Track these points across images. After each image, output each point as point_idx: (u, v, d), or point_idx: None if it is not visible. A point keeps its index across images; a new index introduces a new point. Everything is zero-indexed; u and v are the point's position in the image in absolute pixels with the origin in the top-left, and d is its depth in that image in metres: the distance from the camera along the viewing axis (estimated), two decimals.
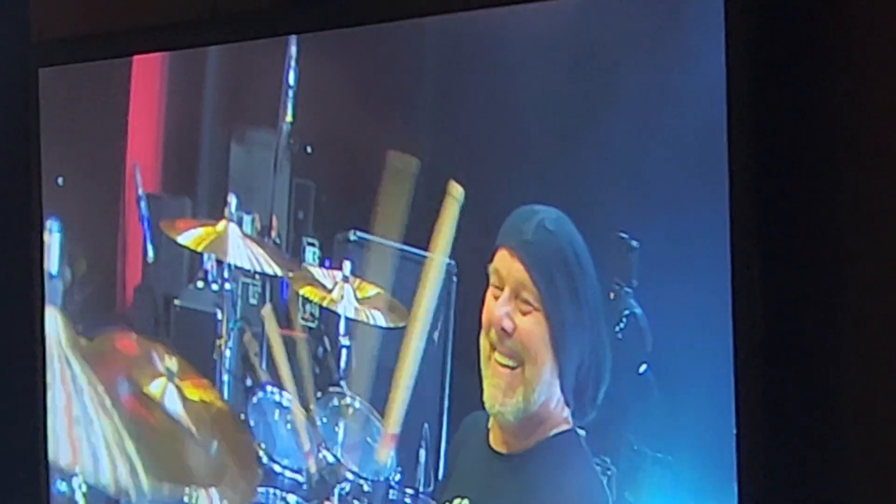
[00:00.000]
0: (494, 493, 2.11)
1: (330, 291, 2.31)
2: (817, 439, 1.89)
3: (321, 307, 2.33)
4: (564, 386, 2.01)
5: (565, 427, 2.02)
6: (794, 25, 1.88)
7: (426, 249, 2.17)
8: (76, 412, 2.66)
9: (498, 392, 2.06)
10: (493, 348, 2.07)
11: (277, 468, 2.39)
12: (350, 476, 2.31)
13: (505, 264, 2.05)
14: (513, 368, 2.05)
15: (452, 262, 2.15)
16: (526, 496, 2.08)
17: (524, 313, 2.03)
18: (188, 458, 2.52)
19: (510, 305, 2.04)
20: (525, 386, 2.04)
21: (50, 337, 2.71)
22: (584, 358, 1.98)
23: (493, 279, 2.06)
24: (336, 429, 2.32)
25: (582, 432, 2.01)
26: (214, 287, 2.46)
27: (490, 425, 2.11)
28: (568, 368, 2.00)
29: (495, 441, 2.10)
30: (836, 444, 1.88)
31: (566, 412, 2.02)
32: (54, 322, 2.70)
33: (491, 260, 2.06)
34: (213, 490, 2.48)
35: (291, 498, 2.37)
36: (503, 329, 2.04)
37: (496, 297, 2.05)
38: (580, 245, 1.98)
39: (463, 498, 2.14)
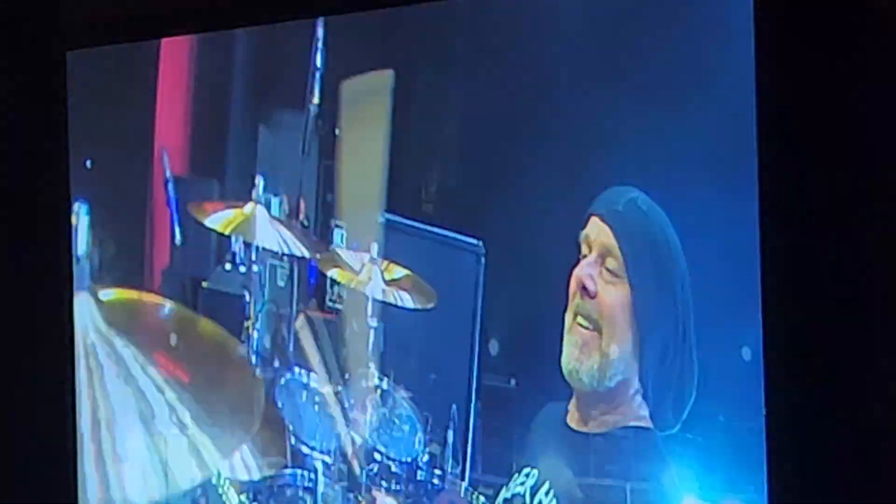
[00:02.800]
0: (565, 467, 2.11)
1: (357, 273, 2.32)
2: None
3: (349, 289, 2.33)
4: (644, 374, 1.99)
5: (645, 424, 2.01)
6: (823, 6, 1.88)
7: (455, 230, 2.17)
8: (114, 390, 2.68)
9: (575, 349, 2.05)
10: (576, 315, 2.05)
11: (305, 449, 2.40)
12: (378, 457, 2.31)
13: (595, 230, 2.03)
14: (591, 330, 2.03)
15: (479, 244, 2.16)
16: (595, 476, 2.07)
17: (607, 282, 2.01)
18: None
19: (595, 269, 2.02)
20: (601, 354, 2.02)
21: (79, 327, 2.72)
22: (668, 352, 1.96)
23: (583, 248, 2.04)
24: (364, 410, 2.33)
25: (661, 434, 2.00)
26: (242, 269, 2.47)
27: (569, 406, 2.09)
28: (648, 354, 1.98)
29: (572, 419, 2.10)
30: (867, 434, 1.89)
31: (645, 409, 2.00)
32: (86, 306, 2.71)
33: (583, 227, 2.04)
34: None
35: (320, 479, 2.38)
36: (585, 288, 2.03)
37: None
38: (672, 236, 1.96)
39: (533, 468, 2.14)
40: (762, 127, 1.86)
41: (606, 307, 2.01)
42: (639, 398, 2.00)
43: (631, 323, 1.99)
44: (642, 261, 1.99)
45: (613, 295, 2.01)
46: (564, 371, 2.06)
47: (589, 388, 2.04)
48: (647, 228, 1.97)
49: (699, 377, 1.94)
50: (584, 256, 2.04)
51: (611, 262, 2.01)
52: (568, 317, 2.06)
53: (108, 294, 2.68)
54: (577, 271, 2.04)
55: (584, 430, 2.07)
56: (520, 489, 2.13)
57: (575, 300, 2.04)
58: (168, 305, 2.59)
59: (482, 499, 2.18)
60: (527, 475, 2.12)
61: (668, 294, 1.96)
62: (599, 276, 2.02)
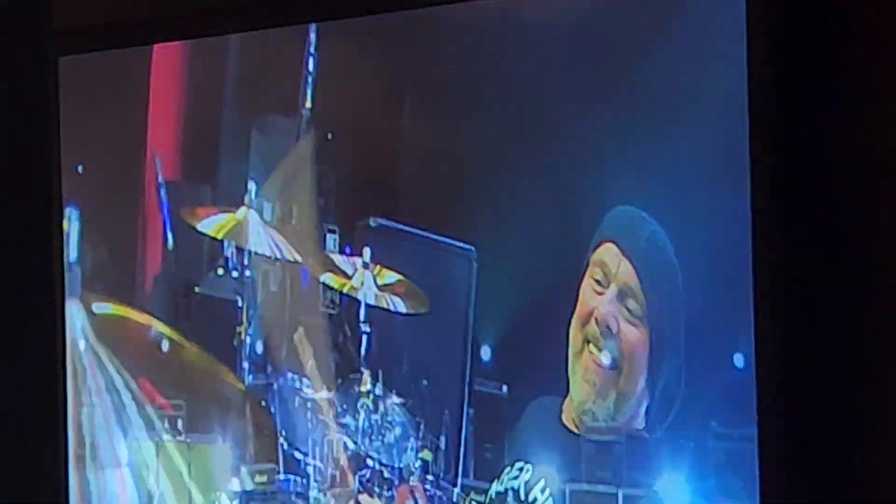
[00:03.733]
0: (557, 467, 2.10)
1: (350, 278, 2.32)
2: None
3: (341, 294, 2.33)
4: (650, 408, 1.98)
5: (638, 431, 2.00)
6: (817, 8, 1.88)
7: (447, 236, 2.17)
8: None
9: (591, 390, 2.03)
10: (587, 342, 2.03)
11: (298, 455, 2.39)
12: (370, 463, 2.31)
13: (613, 260, 1.99)
14: (610, 369, 2.01)
15: (472, 249, 2.16)
16: (587, 482, 2.06)
17: (628, 321, 1.99)
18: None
19: (616, 306, 1.99)
20: (619, 394, 2.00)
21: (69, 333, 2.72)
22: (668, 381, 1.95)
23: (595, 271, 2.01)
24: (356, 415, 2.32)
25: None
26: (235, 274, 2.47)
27: (563, 405, 2.08)
28: (655, 390, 1.97)
29: (567, 418, 2.09)
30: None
31: (641, 420, 2.00)
32: (77, 314, 2.70)
33: (594, 250, 2.02)
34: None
35: (312, 485, 2.38)
36: (608, 327, 2.00)
37: (598, 293, 2.01)
38: (676, 265, 1.94)
39: (526, 462, 2.13)
40: (754, 135, 1.86)
41: (628, 345, 1.99)
42: (640, 421, 2.00)
43: (646, 364, 1.98)
44: (663, 304, 1.96)
45: (635, 335, 1.98)
46: (576, 406, 2.04)
47: (599, 424, 2.03)
48: (667, 269, 1.95)
49: (690, 382, 1.94)
50: (598, 282, 2.01)
51: (632, 304, 1.98)
52: (575, 335, 2.04)
53: (101, 308, 2.68)
54: (600, 311, 2.01)
55: (578, 431, 2.07)
56: (514, 483, 2.12)
57: (590, 328, 2.02)
58: (157, 329, 2.58)
59: None
60: (520, 469, 2.12)
61: (679, 329, 1.94)
62: (620, 314, 1.99)
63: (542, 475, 2.10)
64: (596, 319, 2.02)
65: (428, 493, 2.24)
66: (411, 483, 2.24)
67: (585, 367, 2.04)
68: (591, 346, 2.03)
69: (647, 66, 1.97)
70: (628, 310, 1.99)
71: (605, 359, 2.01)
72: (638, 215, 1.97)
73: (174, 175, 2.57)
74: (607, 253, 2.00)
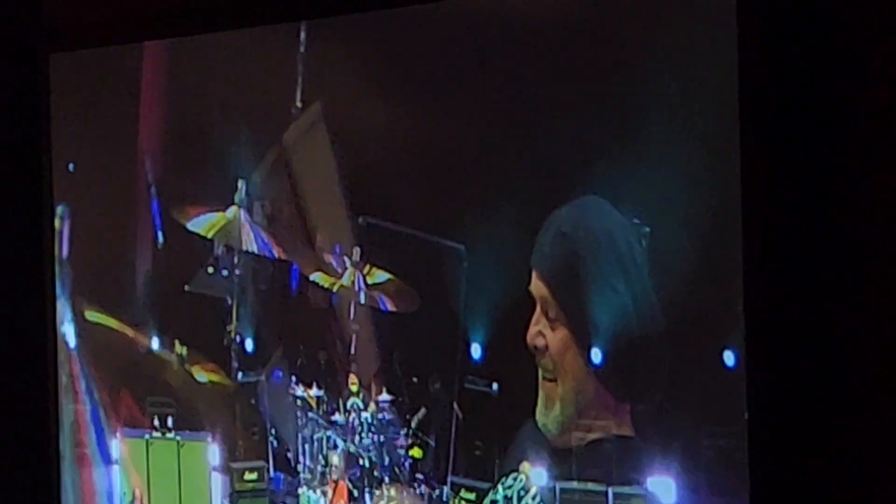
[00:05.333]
0: (548, 472, 2.11)
1: (340, 277, 2.32)
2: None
3: (331, 292, 2.33)
4: (609, 385, 2.02)
5: (627, 433, 2.01)
6: (807, 10, 1.88)
7: (437, 234, 2.17)
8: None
9: (541, 405, 2.09)
10: (540, 372, 2.09)
11: (288, 453, 2.39)
12: (360, 461, 2.31)
13: (535, 286, 2.07)
14: (551, 381, 2.07)
15: (461, 247, 2.16)
16: (578, 482, 2.07)
17: (553, 329, 2.06)
18: None
19: (540, 323, 2.07)
20: (562, 400, 2.06)
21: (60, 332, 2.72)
22: (637, 362, 1.98)
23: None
24: (346, 414, 2.32)
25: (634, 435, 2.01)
26: (225, 273, 2.47)
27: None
28: (607, 370, 2.01)
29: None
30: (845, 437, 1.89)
31: (628, 420, 2.01)
32: (66, 313, 2.70)
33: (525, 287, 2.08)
34: None
35: (302, 482, 2.38)
36: (535, 347, 2.07)
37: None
38: (605, 235, 1.99)
39: (519, 473, 2.14)
40: (745, 134, 1.87)
41: (556, 353, 2.06)
42: (608, 406, 2.01)
43: (579, 357, 2.02)
44: (575, 293, 2.02)
45: (558, 340, 2.05)
46: (539, 426, 2.09)
47: (558, 433, 2.07)
48: (571, 251, 2.02)
49: (680, 380, 1.94)
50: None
51: (551, 310, 2.05)
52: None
53: (91, 306, 2.67)
54: (528, 334, 2.08)
55: (561, 447, 2.09)
56: (508, 492, 2.13)
57: (536, 359, 2.08)
58: (146, 326, 2.58)
59: (463, 503, 2.18)
60: (514, 479, 2.13)
61: (617, 308, 1.98)
62: (546, 327, 2.06)
63: (533, 483, 2.11)
64: (531, 346, 2.08)
65: (418, 491, 2.24)
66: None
67: (540, 388, 2.09)
68: (541, 371, 2.08)
69: (636, 65, 1.97)
70: (549, 318, 2.05)
71: (547, 374, 2.07)
72: (550, 219, 2.04)
73: (165, 173, 2.57)
74: (533, 282, 2.08)
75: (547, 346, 2.07)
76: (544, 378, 2.08)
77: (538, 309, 2.07)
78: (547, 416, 2.08)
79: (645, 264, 1.96)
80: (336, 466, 2.33)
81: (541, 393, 2.09)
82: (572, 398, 2.05)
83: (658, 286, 1.95)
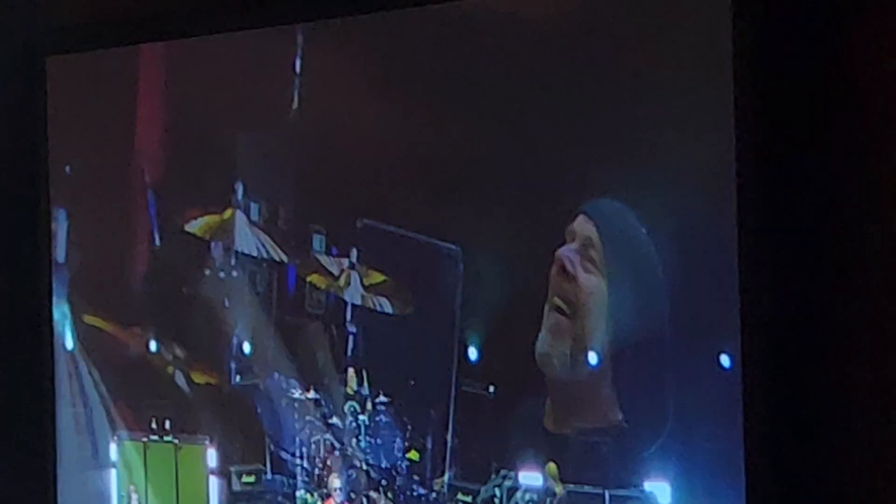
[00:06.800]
0: (539, 468, 2.11)
1: (336, 279, 2.32)
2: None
3: (328, 294, 2.33)
4: (617, 374, 2.00)
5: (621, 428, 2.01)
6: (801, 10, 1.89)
7: (433, 236, 2.18)
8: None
9: (547, 333, 2.05)
10: (552, 296, 2.05)
11: (285, 455, 2.39)
12: (357, 463, 2.31)
13: (581, 225, 2.03)
14: (567, 316, 2.04)
15: (458, 250, 2.16)
16: (573, 483, 2.07)
17: (587, 271, 2.02)
18: None
19: (576, 254, 2.03)
20: (575, 340, 2.03)
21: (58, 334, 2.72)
22: (642, 358, 1.97)
23: (567, 238, 2.05)
24: (343, 416, 2.33)
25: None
26: (221, 275, 2.47)
27: (545, 407, 2.09)
28: (621, 357, 1.99)
29: (548, 420, 2.10)
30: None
31: (619, 413, 2.01)
32: (64, 316, 2.70)
33: (570, 222, 2.05)
34: None
35: (299, 485, 2.38)
36: (563, 268, 2.04)
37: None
38: (652, 252, 1.97)
39: (510, 470, 2.13)
40: (741, 134, 1.87)
41: (583, 294, 2.02)
42: (612, 399, 2.00)
43: (606, 317, 2.00)
44: (620, 260, 1.99)
45: (592, 284, 2.01)
46: (536, 355, 2.06)
47: (560, 375, 2.04)
48: (629, 234, 1.98)
49: (677, 383, 1.94)
50: (565, 242, 2.05)
51: (592, 253, 2.01)
52: (547, 310, 2.06)
53: (88, 309, 2.67)
54: (559, 251, 2.04)
55: (560, 432, 2.07)
56: (496, 491, 2.13)
57: (553, 280, 2.05)
58: (143, 328, 2.58)
59: None
60: (503, 477, 2.12)
61: (644, 299, 1.96)
62: (580, 264, 2.02)
63: (524, 482, 2.11)
64: (555, 264, 2.04)
65: (415, 494, 2.24)
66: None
67: (547, 315, 2.05)
68: (555, 298, 2.05)
69: (635, 66, 1.97)
70: (589, 259, 2.02)
71: (562, 304, 2.04)
72: (618, 206, 2.00)
73: (162, 176, 2.57)
74: (577, 221, 2.03)
75: (577, 277, 2.04)
76: (556, 306, 2.05)
77: (577, 242, 2.03)
78: (553, 347, 2.05)
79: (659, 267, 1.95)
80: (333, 470, 2.33)
81: (546, 322, 2.06)
82: (587, 345, 2.01)
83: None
